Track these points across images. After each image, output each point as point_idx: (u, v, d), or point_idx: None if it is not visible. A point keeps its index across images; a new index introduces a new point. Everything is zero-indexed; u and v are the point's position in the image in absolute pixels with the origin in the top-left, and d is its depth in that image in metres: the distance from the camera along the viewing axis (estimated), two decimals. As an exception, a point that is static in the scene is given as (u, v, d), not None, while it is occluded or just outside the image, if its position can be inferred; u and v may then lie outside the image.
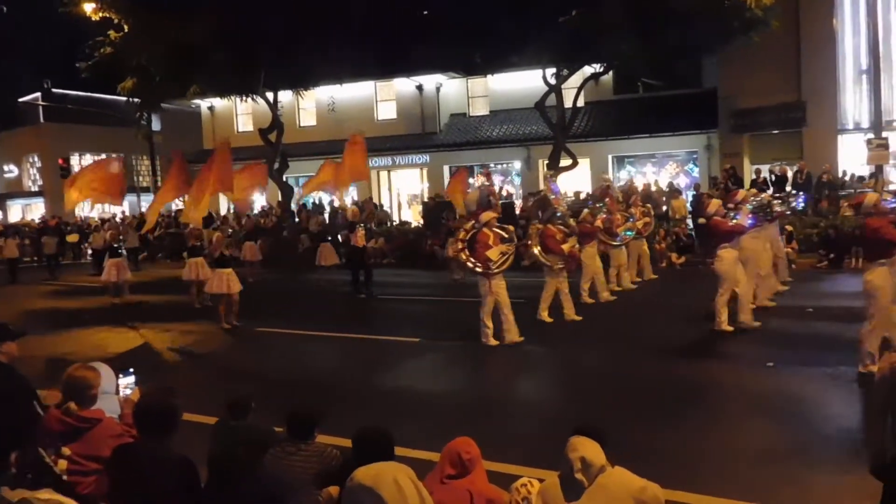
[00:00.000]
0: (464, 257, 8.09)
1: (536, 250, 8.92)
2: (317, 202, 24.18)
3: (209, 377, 7.39)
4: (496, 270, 7.83)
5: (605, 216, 10.86)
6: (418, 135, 22.84)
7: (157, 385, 3.38)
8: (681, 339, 7.95)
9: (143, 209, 29.00)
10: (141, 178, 35.85)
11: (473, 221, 8.30)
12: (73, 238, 19.35)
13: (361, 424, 3.05)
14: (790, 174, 16.55)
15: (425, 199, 22.07)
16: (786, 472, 4.27)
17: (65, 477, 2.79)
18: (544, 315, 9.02)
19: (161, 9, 16.39)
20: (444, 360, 7.89)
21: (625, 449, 3.07)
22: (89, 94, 32.52)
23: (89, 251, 22.41)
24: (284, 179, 21.19)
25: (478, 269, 7.88)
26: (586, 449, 2.58)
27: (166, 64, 17.94)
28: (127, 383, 3.17)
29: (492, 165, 23.14)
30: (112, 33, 18.39)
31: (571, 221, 9.54)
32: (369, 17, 18.14)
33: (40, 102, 35.35)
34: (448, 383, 6.99)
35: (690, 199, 17.33)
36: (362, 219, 13.67)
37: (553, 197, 9.62)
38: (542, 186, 11.07)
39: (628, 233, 11.42)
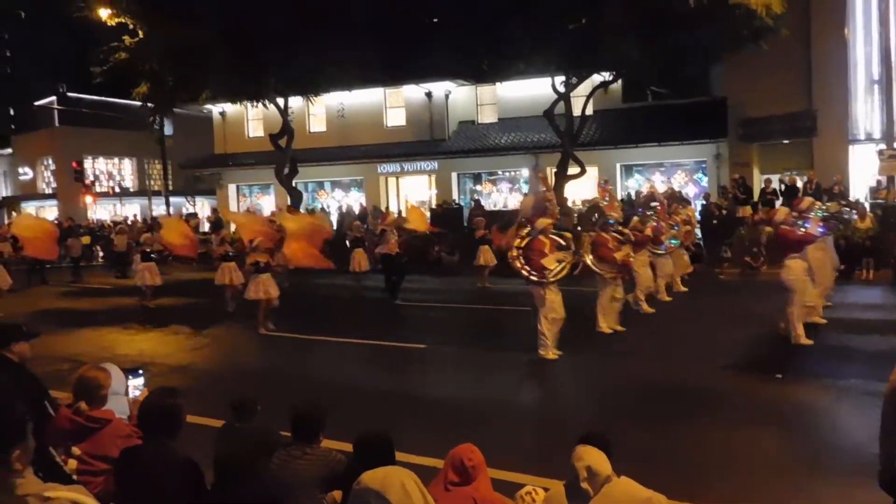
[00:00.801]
0: (518, 265, 7.69)
1: (589, 259, 8.60)
2: (325, 207, 24.32)
3: (218, 379, 7.43)
4: (552, 279, 7.51)
5: (654, 224, 10.44)
6: (427, 141, 22.92)
7: (162, 386, 3.41)
8: (702, 349, 7.90)
9: (154, 212, 29.29)
10: (153, 182, 36.20)
11: (528, 228, 7.93)
12: (85, 240, 19.54)
13: (364, 429, 3.07)
14: (800, 184, 16.46)
15: (433, 206, 22.11)
16: (794, 482, 4.25)
17: (74, 476, 2.83)
18: (603, 326, 8.74)
19: (174, 15, 16.61)
20: (449, 367, 7.90)
21: (631, 457, 3.07)
22: (103, 98, 32.96)
23: (100, 253, 22.65)
24: (294, 184, 21.34)
25: (532, 278, 7.54)
26: (592, 458, 2.58)
27: (179, 69, 18.16)
28: (136, 384, 3.20)
29: (500, 173, 23.20)
30: (127, 38, 18.64)
31: (625, 230, 9.27)
32: (379, 23, 18.29)
33: (55, 106, 35.83)
34: (453, 389, 6.99)
35: (700, 208, 17.28)
36: (382, 226, 13.42)
37: (606, 203, 9.38)
38: (595, 193, 10.33)
39: (673, 241, 11.01)
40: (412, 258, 17.87)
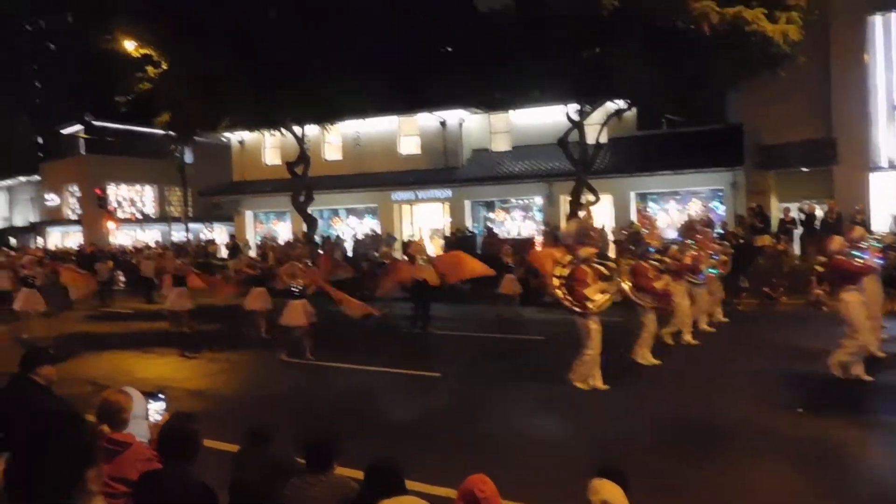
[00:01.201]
0: (560, 295, 7.47)
1: (627, 287, 8.24)
2: (340, 234, 24.54)
3: (234, 404, 7.45)
4: (595, 310, 7.32)
5: (694, 253, 10.09)
6: (441, 169, 23.13)
7: (180, 411, 3.44)
8: (721, 381, 7.76)
9: (174, 238, 29.76)
10: (172, 209, 36.87)
11: (570, 256, 7.71)
12: (108, 265, 19.86)
13: (375, 457, 3.09)
14: (819, 213, 16.28)
15: (447, 234, 22.20)
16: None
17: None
18: (647, 357, 8.49)
19: (196, 46, 17.15)
20: (464, 395, 7.83)
21: (650, 490, 3.01)
22: (127, 126, 33.85)
23: (122, 278, 22.94)
24: (309, 211, 21.61)
25: (576, 309, 7.32)
26: (608, 492, 2.54)
27: (200, 99, 18.67)
28: (157, 409, 3.24)
29: (513, 201, 23.28)
30: (150, 69, 19.25)
31: (666, 258, 9.00)
32: (394, 52, 18.70)
33: (81, 135, 36.83)
34: (467, 419, 6.92)
35: (716, 236, 17.13)
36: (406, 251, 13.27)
37: (647, 232, 9.14)
38: (634, 220, 10.27)
39: (712, 271, 10.63)
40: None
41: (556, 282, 7.57)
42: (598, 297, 7.29)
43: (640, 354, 8.57)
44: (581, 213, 8.87)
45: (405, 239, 22.96)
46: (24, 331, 12.05)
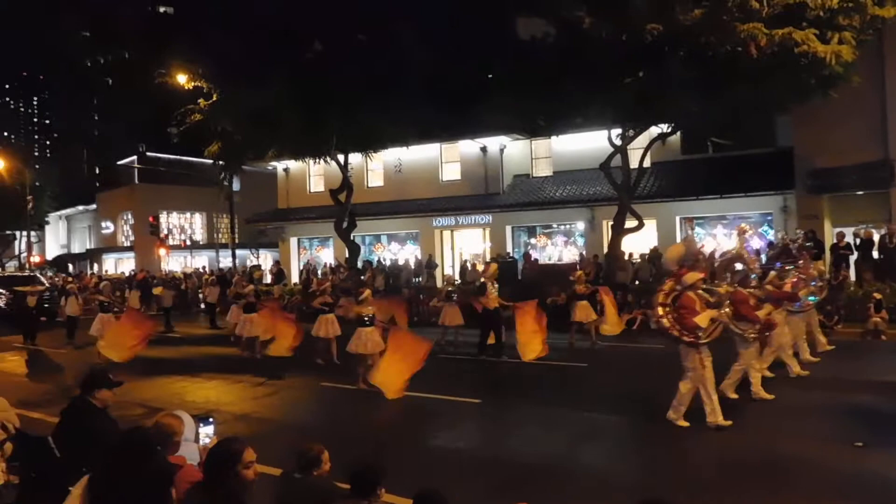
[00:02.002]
0: (667, 324, 6.96)
1: (725, 316, 7.47)
2: (382, 259, 24.78)
3: (278, 429, 7.49)
4: (705, 340, 6.83)
5: (795, 279, 9.34)
6: (481, 195, 23.21)
7: (228, 436, 3.46)
8: (774, 413, 7.39)
9: (222, 264, 30.61)
10: (220, 235, 38.05)
11: (673, 282, 7.21)
12: (158, 291, 20.53)
13: (421, 484, 3.09)
14: (876, 238, 15.55)
15: (487, 259, 22.13)
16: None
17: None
18: (730, 391, 7.87)
19: (246, 79, 17.86)
20: (505, 423, 7.68)
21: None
22: (178, 156, 35.36)
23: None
24: (352, 238, 21.93)
25: (685, 339, 6.83)
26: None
27: (248, 129, 19.36)
28: (207, 432, 3.27)
29: (554, 226, 23.10)
30: (202, 101, 20.12)
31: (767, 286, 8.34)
32: (435, 81, 19.03)
33: (136, 165, 38.61)
34: (509, 446, 6.76)
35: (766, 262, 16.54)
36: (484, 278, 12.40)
37: (748, 256, 8.38)
38: (735, 244, 9.35)
39: (811, 298, 9.85)
40: (466, 312, 17.79)
41: (661, 310, 7.08)
42: (708, 324, 6.80)
43: (753, 388, 7.90)
44: (686, 235, 8.28)
45: (459, 263, 22.99)
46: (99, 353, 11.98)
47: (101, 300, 13.20)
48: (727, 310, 7.37)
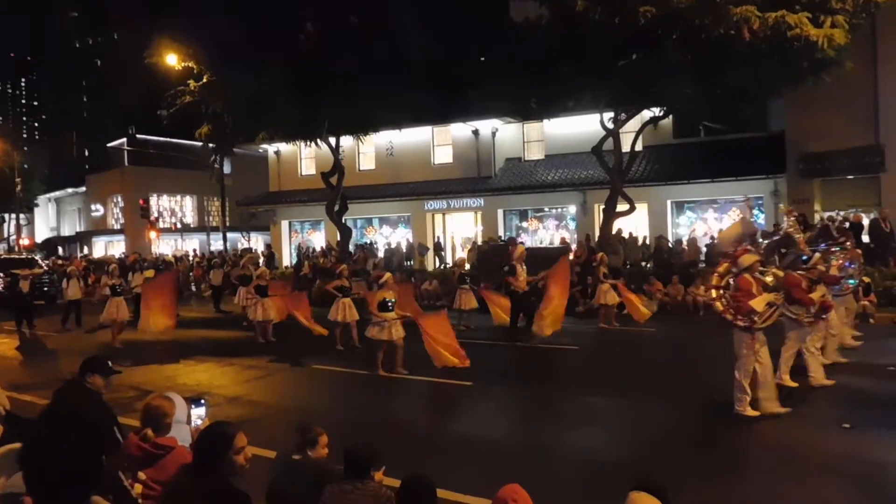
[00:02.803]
0: (720, 307, 6.70)
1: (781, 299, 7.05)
2: (373, 243, 24.76)
3: (271, 411, 7.54)
4: (761, 325, 6.54)
5: (840, 262, 8.91)
6: (473, 178, 23.18)
7: (219, 420, 3.49)
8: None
9: (213, 247, 30.49)
10: (211, 218, 37.84)
11: (728, 264, 6.90)
12: (149, 274, 20.45)
13: (413, 466, 3.13)
14: (865, 222, 15.68)
15: (479, 243, 22.17)
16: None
17: (140, 501, 2.91)
18: (786, 378, 7.51)
19: (236, 60, 17.64)
20: (496, 405, 7.76)
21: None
22: (168, 139, 34.99)
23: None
24: (344, 221, 21.89)
25: (739, 323, 6.53)
26: (646, 505, 2.45)
27: (239, 112, 19.16)
28: (199, 413, 3.29)
29: (546, 210, 23.13)
30: (192, 83, 19.87)
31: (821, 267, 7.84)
32: (428, 64, 18.87)
33: (125, 147, 38.23)
34: (501, 428, 6.85)
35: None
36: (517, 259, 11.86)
37: (799, 237, 8.00)
38: (784, 223, 8.90)
39: (851, 281, 9.55)
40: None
41: (714, 293, 6.79)
42: (764, 309, 6.45)
43: (784, 372, 7.51)
44: (740, 215, 7.77)
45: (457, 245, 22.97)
46: (116, 339, 12.01)
47: (112, 283, 12.64)
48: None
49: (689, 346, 11.03)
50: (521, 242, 21.12)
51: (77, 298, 15.23)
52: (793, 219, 8.74)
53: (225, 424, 3.03)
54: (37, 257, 25.93)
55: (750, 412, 6.50)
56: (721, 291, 6.76)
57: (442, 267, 21.61)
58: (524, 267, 11.76)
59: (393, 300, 9.21)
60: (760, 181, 18.83)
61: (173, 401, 3.32)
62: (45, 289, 19.93)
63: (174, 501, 2.70)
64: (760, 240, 8.36)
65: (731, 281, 6.76)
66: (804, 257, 7.87)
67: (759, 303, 6.42)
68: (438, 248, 22.94)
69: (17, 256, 25.09)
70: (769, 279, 6.96)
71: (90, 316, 15.27)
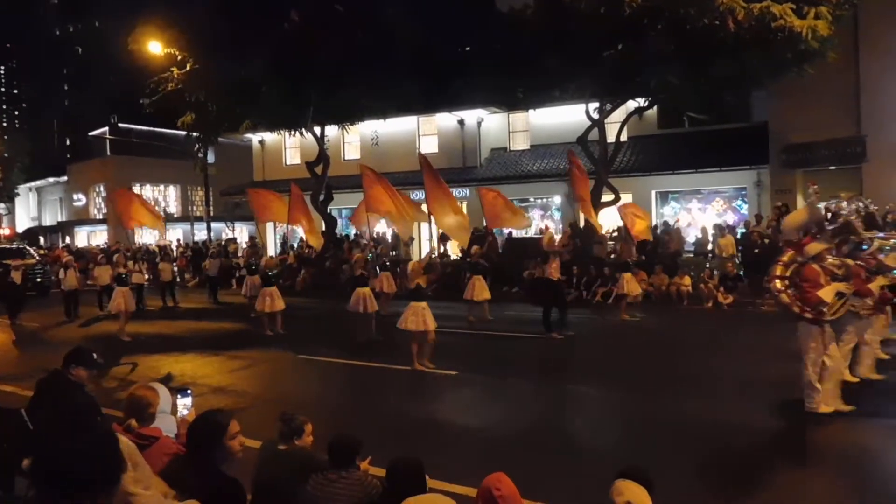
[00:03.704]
0: (786, 299, 6.31)
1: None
2: (357, 233, 24.68)
3: (257, 401, 7.55)
4: (830, 317, 6.19)
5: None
6: (459, 168, 23.14)
7: (212, 409, 3.50)
8: (746, 385, 7.63)
9: (197, 237, 30.21)
10: (195, 208, 37.44)
11: (793, 253, 6.54)
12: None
13: (397, 455, 3.10)
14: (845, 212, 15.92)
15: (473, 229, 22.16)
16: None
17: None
18: (846, 373, 7.06)
19: (220, 48, 17.41)
20: (481, 394, 7.83)
21: (675, 496, 2.98)
22: (151, 128, 34.48)
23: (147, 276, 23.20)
24: (329, 211, 21.78)
25: (806, 316, 6.17)
26: (632, 494, 2.50)
27: (223, 100, 18.93)
28: (184, 403, 3.29)
29: (532, 200, 23.18)
30: (175, 70, 19.58)
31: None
32: (413, 53, 18.76)
33: (108, 136, 37.62)
34: (486, 418, 6.91)
35: (739, 236, 16.87)
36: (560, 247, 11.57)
37: (859, 225, 7.63)
38: (845, 209, 8.43)
39: None
40: (443, 285, 17.92)
41: (779, 284, 6.39)
42: (833, 300, 6.10)
43: (865, 368, 7.24)
44: (810, 199, 7.21)
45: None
46: (122, 331, 11.71)
47: (119, 272, 12.32)
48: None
49: (682, 334, 11.15)
50: (511, 233, 21.24)
51: (74, 289, 14.82)
52: (855, 205, 8.29)
53: (218, 413, 3.04)
54: (26, 247, 25.22)
55: (823, 408, 6.23)
56: (786, 282, 6.34)
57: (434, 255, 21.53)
58: (556, 255, 11.34)
59: (424, 287, 8.81)
60: (744, 172, 19.02)
61: (157, 391, 3.31)
62: (39, 279, 19.30)
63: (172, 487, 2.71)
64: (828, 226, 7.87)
65: (796, 271, 6.35)
66: (864, 246, 7.46)
67: (828, 293, 6.06)
68: (445, 239, 22.82)
69: (6, 246, 24.36)
70: (836, 268, 6.49)
71: (85, 307, 15.16)
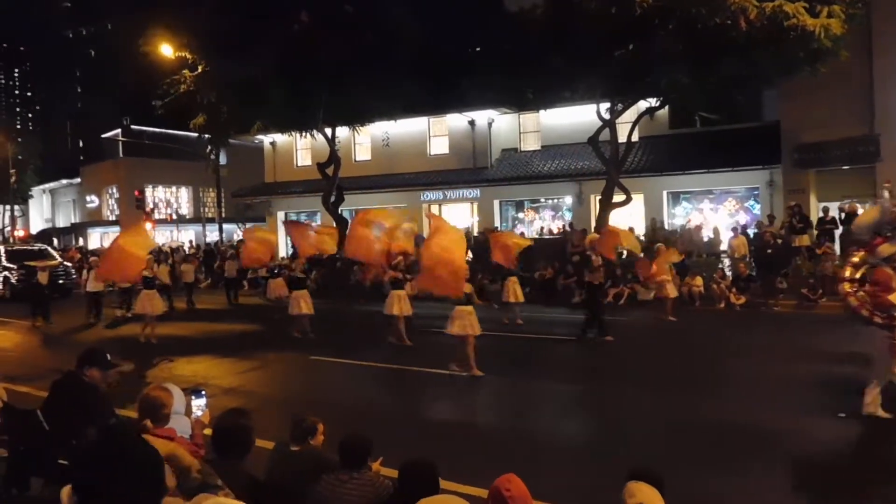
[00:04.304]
0: (855, 302, 6.07)
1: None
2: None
3: (269, 403, 7.58)
4: None
5: None
6: (470, 169, 23.14)
7: (230, 407, 3.52)
8: (758, 387, 7.57)
9: (209, 239, 30.41)
10: (207, 210, 37.71)
11: (864, 254, 6.33)
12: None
13: (410, 456, 3.09)
14: (861, 212, 15.73)
15: (475, 234, 22.18)
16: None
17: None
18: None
19: (231, 50, 17.52)
20: (492, 395, 7.81)
21: (685, 499, 2.96)
22: (163, 130, 34.78)
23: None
24: (340, 212, 21.85)
25: (876, 321, 5.92)
26: (644, 495, 2.49)
27: (234, 101, 19.04)
28: (198, 405, 3.31)
29: (542, 200, 23.13)
30: (186, 73, 19.73)
31: None
32: (423, 54, 18.77)
33: (120, 138, 37.99)
34: (497, 418, 6.90)
35: (752, 236, 16.74)
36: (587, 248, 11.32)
37: None
38: (886, 197, 7.83)
39: None
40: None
41: (847, 286, 6.16)
42: None
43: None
44: (885, 196, 6.81)
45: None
46: (151, 333, 11.62)
47: (145, 275, 11.90)
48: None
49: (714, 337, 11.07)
50: (522, 233, 21.14)
51: (98, 290, 14.41)
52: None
53: (239, 413, 3.06)
54: (49, 248, 25.02)
55: (882, 414, 6.00)
56: (855, 285, 6.13)
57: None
58: (598, 256, 10.98)
59: (470, 292, 8.60)
60: (756, 172, 18.85)
61: (171, 392, 3.33)
62: (61, 281, 19.05)
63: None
64: None
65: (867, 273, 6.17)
66: None
67: None
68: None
69: (29, 248, 24.00)
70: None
71: (108, 309, 15.09)
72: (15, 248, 23.92)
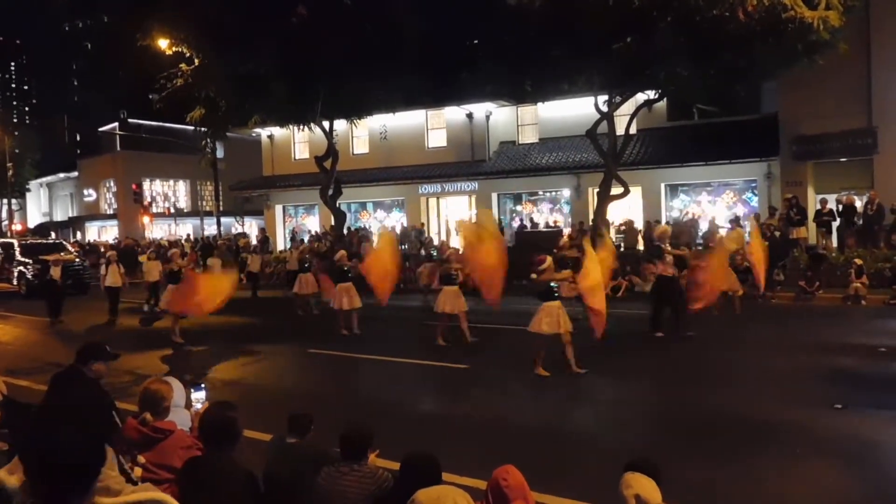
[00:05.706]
0: None
1: None
2: (367, 226, 24.73)
3: (266, 395, 7.62)
4: None
5: None
6: (468, 162, 23.12)
7: (219, 400, 3.55)
8: (756, 378, 7.62)
9: (206, 232, 30.38)
10: (205, 203, 37.65)
11: None
12: (144, 258, 20.23)
13: (409, 448, 3.10)
14: (859, 204, 15.79)
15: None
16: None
17: (139, 483, 2.97)
18: None
19: (228, 43, 17.44)
20: (493, 388, 7.85)
21: (683, 490, 2.99)
22: (161, 123, 34.65)
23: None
24: (338, 205, 21.84)
25: None
26: (641, 486, 2.53)
27: (231, 95, 18.97)
28: (198, 397, 3.34)
29: (540, 193, 23.13)
30: (183, 66, 19.65)
31: None
32: (421, 47, 18.70)
33: (117, 132, 37.84)
34: (498, 411, 6.93)
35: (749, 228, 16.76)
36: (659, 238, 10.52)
37: None
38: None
39: None
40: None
41: None
42: None
43: None
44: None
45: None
46: (174, 330, 11.11)
47: (171, 269, 11.75)
48: None
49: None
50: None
51: (116, 286, 13.99)
52: None
53: (225, 405, 3.09)
54: (64, 242, 24.32)
55: None
56: None
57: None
58: (670, 248, 10.49)
59: (557, 286, 7.93)
60: (754, 164, 18.87)
61: (171, 385, 3.36)
62: (78, 276, 18.60)
63: (190, 481, 2.77)
64: None
65: None
66: None
67: None
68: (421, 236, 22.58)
69: (44, 241, 23.47)
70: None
71: (128, 304, 14.90)
72: (29, 241, 23.37)
